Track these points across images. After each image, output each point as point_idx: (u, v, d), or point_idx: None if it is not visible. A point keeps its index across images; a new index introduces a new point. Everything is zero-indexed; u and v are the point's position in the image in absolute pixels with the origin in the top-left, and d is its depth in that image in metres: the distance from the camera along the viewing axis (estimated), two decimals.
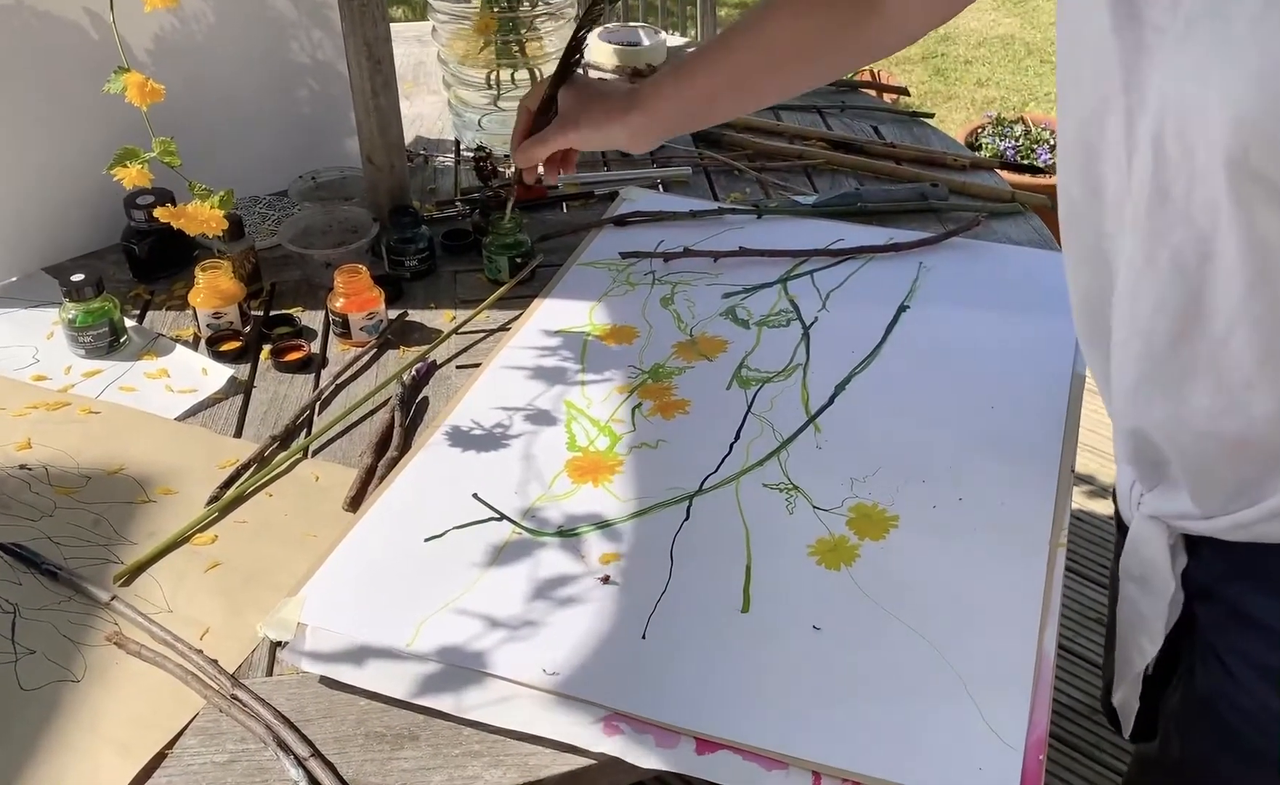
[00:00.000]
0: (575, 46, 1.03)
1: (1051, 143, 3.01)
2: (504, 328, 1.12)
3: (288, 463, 0.95)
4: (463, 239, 1.26)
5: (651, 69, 1.70)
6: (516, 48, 1.39)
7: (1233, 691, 0.75)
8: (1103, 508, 2.21)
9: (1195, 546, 0.77)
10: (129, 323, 1.11)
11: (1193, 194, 0.59)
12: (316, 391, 1.04)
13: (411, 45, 1.80)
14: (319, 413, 1.02)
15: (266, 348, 1.09)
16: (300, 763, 0.70)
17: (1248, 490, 0.69)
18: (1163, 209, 0.61)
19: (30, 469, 0.94)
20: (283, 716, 0.73)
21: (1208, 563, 0.76)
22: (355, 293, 1.09)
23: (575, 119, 1.02)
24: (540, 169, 1.07)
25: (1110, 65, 0.62)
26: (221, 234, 0.97)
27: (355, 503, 0.91)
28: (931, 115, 1.59)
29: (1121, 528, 0.87)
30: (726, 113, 1.09)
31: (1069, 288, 0.77)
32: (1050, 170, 2.96)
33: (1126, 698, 0.86)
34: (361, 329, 1.09)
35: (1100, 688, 1.20)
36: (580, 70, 1.06)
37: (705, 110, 1.05)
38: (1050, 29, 4.58)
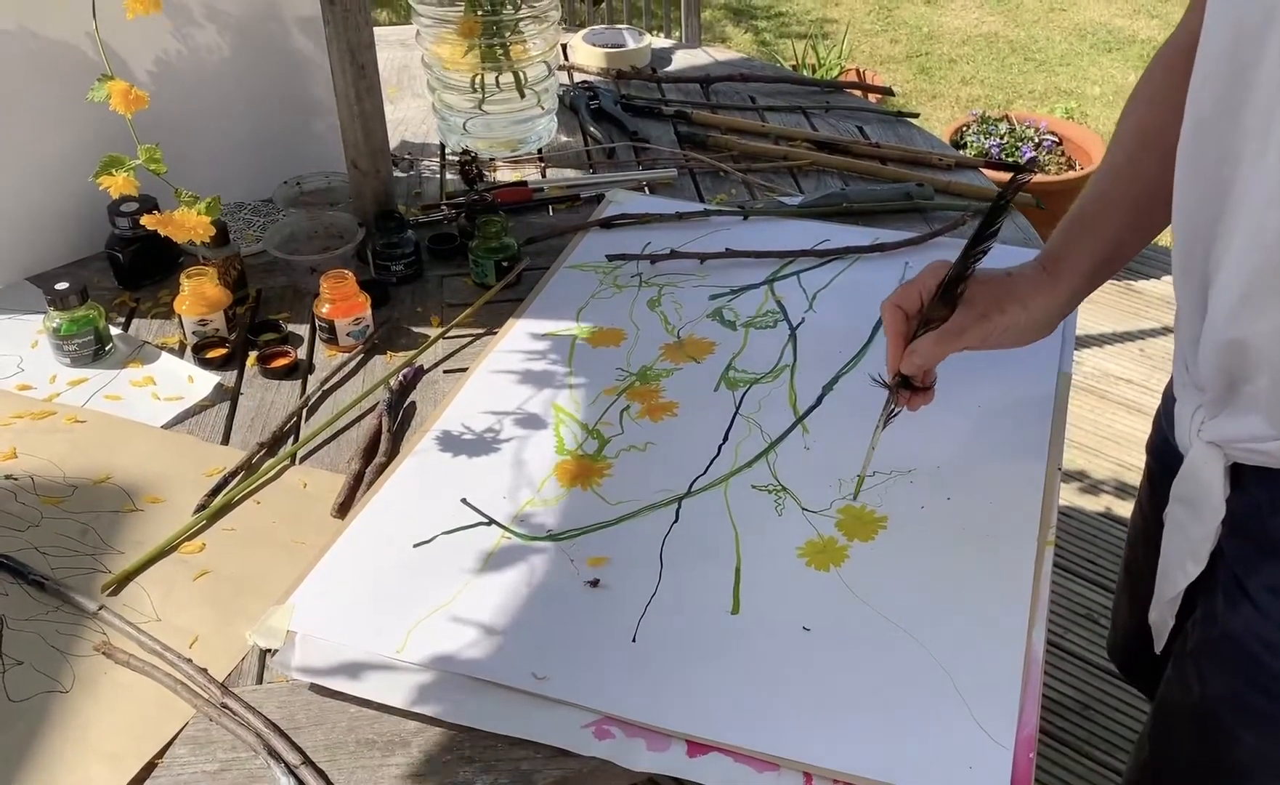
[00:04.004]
0: (979, 240, 0.85)
1: (1036, 141, 3.02)
2: (491, 332, 1.11)
3: (275, 470, 0.95)
4: (449, 243, 1.26)
5: (636, 70, 1.70)
6: (501, 51, 1.39)
7: (1261, 627, 0.77)
8: (1090, 504, 2.22)
9: (1240, 478, 0.79)
10: (114, 331, 1.11)
11: None
12: (303, 398, 1.03)
13: (395, 49, 1.80)
14: (306, 419, 1.02)
15: (253, 354, 1.09)
16: (291, 771, 0.70)
17: None
18: None
19: (16, 479, 0.93)
20: (273, 725, 0.72)
21: (1251, 494, 0.78)
22: (341, 298, 1.08)
23: (998, 305, 0.87)
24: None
25: None
26: (206, 241, 0.97)
27: (344, 509, 0.91)
28: (916, 115, 1.60)
29: (1159, 456, 0.92)
30: (1138, 242, 0.91)
31: (1174, 210, 0.78)
32: (1037, 168, 2.97)
33: (1162, 615, 0.88)
34: (348, 334, 1.09)
35: (1106, 642, 1.22)
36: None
37: (1116, 250, 0.91)
38: (1034, 27, 4.60)
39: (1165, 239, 3.12)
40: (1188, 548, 0.83)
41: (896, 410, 0.90)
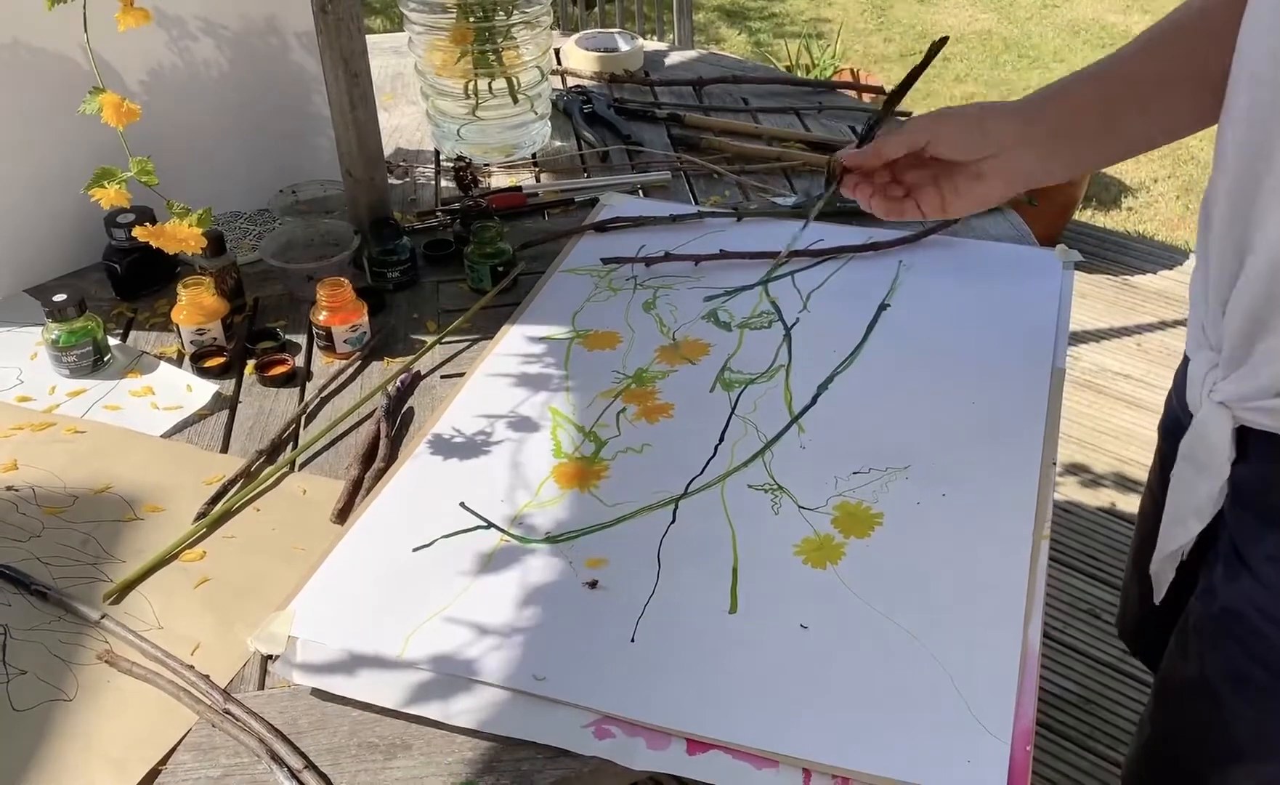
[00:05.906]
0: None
1: None
2: (487, 336, 1.12)
3: (274, 477, 0.96)
4: (444, 249, 1.26)
5: (629, 74, 1.70)
6: (494, 57, 1.40)
7: (1264, 599, 0.77)
8: (1089, 499, 2.22)
9: (1246, 447, 0.79)
10: (112, 341, 1.11)
11: None
12: (302, 405, 1.04)
13: (388, 56, 1.81)
14: (304, 426, 1.02)
15: (251, 363, 1.09)
16: (294, 775, 0.70)
17: None
18: None
19: (17, 490, 0.94)
20: (275, 729, 0.73)
21: (1256, 462, 0.78)
22: (338, 306, 1.09)
23: (941, 118, 0.95)
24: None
25: None
26: (202, 250, 0.98)
27: (343, 515, 0.91)
28: (909, 114, 1.60)
29: (1170, 436, 0.93)
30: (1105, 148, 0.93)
31: (1223, 176, 0.77)
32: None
33: (1162, 568, 0.89)
34: (345, 341, 1.10)
35: (1115, 621, 1.23)
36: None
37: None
38: (1027, 24, 4.61)
39: (1160, 234, 3.13)
40: (1192, 504, 0.84)
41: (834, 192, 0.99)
